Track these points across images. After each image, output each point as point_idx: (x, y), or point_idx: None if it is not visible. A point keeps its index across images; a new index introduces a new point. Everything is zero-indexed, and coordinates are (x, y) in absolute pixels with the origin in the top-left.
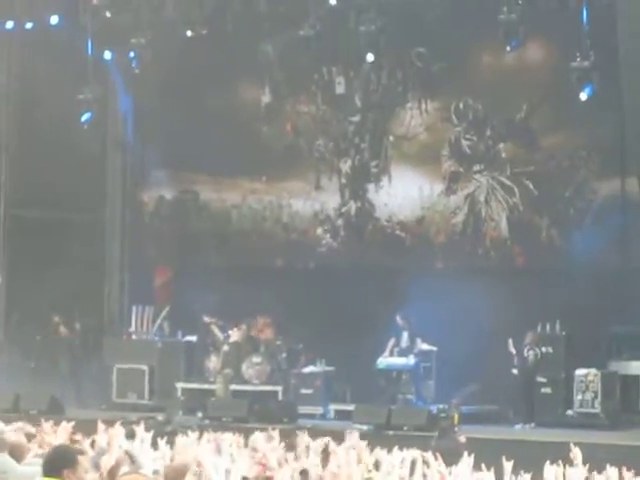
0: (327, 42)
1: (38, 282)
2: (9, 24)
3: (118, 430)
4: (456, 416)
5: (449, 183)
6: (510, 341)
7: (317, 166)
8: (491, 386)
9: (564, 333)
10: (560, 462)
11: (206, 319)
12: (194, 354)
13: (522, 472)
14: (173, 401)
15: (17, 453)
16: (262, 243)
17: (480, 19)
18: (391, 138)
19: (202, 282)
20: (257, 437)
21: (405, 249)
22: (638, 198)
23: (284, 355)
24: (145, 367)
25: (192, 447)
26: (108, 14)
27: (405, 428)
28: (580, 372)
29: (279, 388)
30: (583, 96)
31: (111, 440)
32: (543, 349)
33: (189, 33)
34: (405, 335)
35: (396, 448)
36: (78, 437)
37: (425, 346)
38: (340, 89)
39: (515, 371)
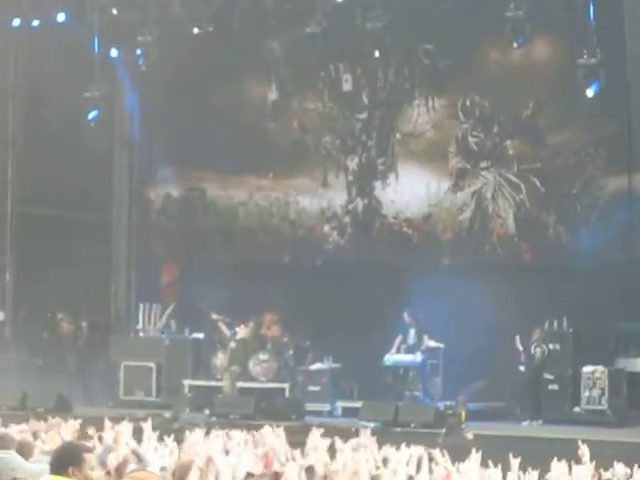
0: (334, 39)
1: (45, 280)
2: (16, 22)
3: (125, 427)
4: (463, 413)
5: (456, 180)
6: (517, 338)
7: (324, 163)
8: (498, 383)
9: (571, 330)
10: (568, 459)
11: (213, 316)
12: (201, 351)
13: (529, 469)
14: (180, 398)
15: (25, 450)
16: (269, 240)
17: (487, 16)
18: (398, 135)
19: (209, 279)
20: (264, 433)
21: (412, 246)
22: None
23: (291, 352)
24: (152, 364)
25: (200, 444)
26: (115, 11)
27: (412, 425)
28: (587, 369)
29: (286, 385)
30: (590, 93)
31: (118, 437)
32: (550, 346)
33: (196, 30)
34: (412, 332)
35: (403, 445)
36: (91, 431)
37: (432, 343)
38: (347, 86)
39: (522, 368)
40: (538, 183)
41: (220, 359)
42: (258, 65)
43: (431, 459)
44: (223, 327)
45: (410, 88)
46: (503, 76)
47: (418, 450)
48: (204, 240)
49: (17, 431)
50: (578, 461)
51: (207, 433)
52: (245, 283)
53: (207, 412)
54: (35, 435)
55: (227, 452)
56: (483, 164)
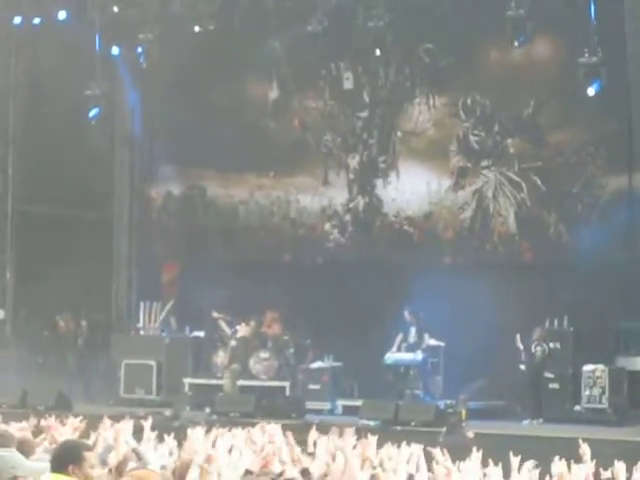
0: (335, 38)
1: (46, 278)
2: (17, 19)
3: (125, 425)
4: (464, 412)
5: (457, 178)
6: (518, 337)
7: (325, 162)
8: (499, 382)
9: (572, 329)
10: (568, 458)
11: (214, 314)
12: (202, 349)
13: (530, 467)
14: (181, 396)
15: (26, 448)
16: (270, 239)
17: (488, 15)
18: (399, 133)
19: (210, 278)
20: (261, 431)
21: (413, 244)
22: None
23: (292, 350)
24: (153, 362)
25: (200, 442)
26: (116, 9)
27: (413, 424)
28: (588, 368)
29: (287, 383)
30: (591, 92)
31: (117, 436)
32: (551, 345)
33: (197, 29)
34: (413, 330)
35: (404, 444)
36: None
37: (433, 341)
38: (348, 84)
39: (523, 367)
40: (539, 182)
41: (221, 357)
42: (259, 63)
43: (431, 458)
44: (224, 325)
45: (411, 86)
46: (504, 75)
47: (415, 448)
48: (205, 238)
49: (17, 429)
50: (578, 460)
51: (207, 431)
52: (246, 281)
53: (207, 410)
54: (35, 433)
55: (227, 450)
56: (484, 163)
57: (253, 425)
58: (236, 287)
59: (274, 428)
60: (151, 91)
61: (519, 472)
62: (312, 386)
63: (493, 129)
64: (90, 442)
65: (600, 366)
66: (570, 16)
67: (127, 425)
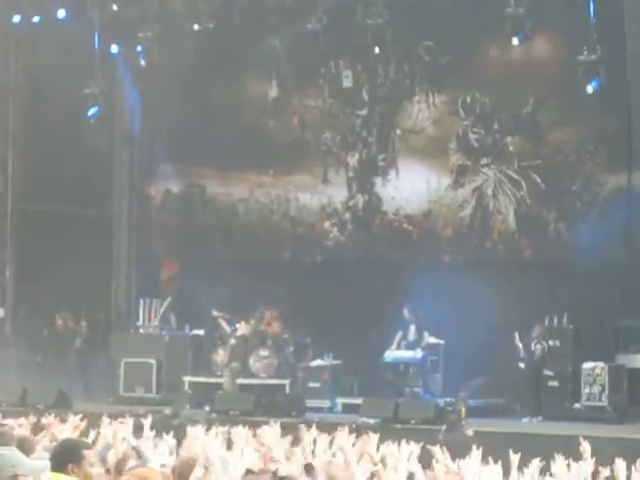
0: (334, 36)
1: (45, 276)
2: (16, 18)
3: (125, 424)
4: (463, 409)
5: (456, 176)
6: (517, 334)
7: (324, 160)
8: (498, 379)
9: (571, 326)
10: (568, 455)
11: (214, 313)
12: (201, 348)
13: (530, 465)
14: (180, 395)
15: (26, 447)
16: (269, 237)
17: (487, 13)
18: (398, 131)
19: (209, 276)
20: (263, 430)
21: (412, 242)
22: None
23: (291, 348)
24: (152, 361)
25: (200, 440)
26: (115, 8)
27: (412, 421)
28: (587, 365)
29: (286, 382)
30: (590, 90)
31: (116, 434)
32: (550, 342)
33: (196, 27)
34: (412, 328)
35: (404, 441)
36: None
37: (432, 339)
38: (347, 82)
39: (522, 365)
40: (538, 180)
41: (220, 356)
42: (258, 62)
43: (431, 455)
44: (223, 324)
45: (410, 84)
46: (503, 73)
47: (414, 446)
48: (204, 237)
49: (16, 424)
50: (578, 457)
51: (207, 429)
52: (245, 280)
53: (207, 408)
54: (35, 431)
55: (228, 449)
56: (483, 161)
57: (253, 423)
58: (236, 285)
59: (274, 428)
60: (150, 89)
61: (525, 471)
62: (312, 384)
63: (493, 127)
64: (89, 440)
65: (600, 364)
66: (569, 14)
67: (126, 423)
